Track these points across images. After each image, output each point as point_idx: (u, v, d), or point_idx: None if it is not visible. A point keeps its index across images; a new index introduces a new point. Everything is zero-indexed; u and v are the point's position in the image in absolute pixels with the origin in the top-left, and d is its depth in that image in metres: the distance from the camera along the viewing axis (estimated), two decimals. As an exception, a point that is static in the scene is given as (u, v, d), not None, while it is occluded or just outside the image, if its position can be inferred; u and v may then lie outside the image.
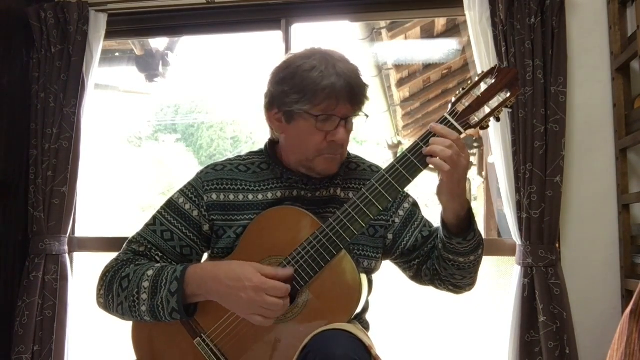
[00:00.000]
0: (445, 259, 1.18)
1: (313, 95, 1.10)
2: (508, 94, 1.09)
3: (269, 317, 1.04)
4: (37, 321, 2.10)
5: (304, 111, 1.12)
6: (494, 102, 1.10)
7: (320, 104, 1.11)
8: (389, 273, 1.36)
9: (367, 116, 1.18)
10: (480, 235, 1.18)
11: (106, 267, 1.17)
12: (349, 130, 1.17)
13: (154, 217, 1.22)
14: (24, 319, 2.09)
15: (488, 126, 1.11)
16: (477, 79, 1.12)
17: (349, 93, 1.11)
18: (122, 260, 1.17)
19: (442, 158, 1.04)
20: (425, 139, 1.08)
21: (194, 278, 1.08)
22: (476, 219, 1.18)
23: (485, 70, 1.13)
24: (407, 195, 1.29)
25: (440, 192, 1.10)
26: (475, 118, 1.10)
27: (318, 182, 1.21)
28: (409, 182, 1.09)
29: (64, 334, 2.12)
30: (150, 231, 1.20)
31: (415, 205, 1.28)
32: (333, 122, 1.13)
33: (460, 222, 1.13)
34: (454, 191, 1.08)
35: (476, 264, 1.20)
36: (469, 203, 1.13)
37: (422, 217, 1.28)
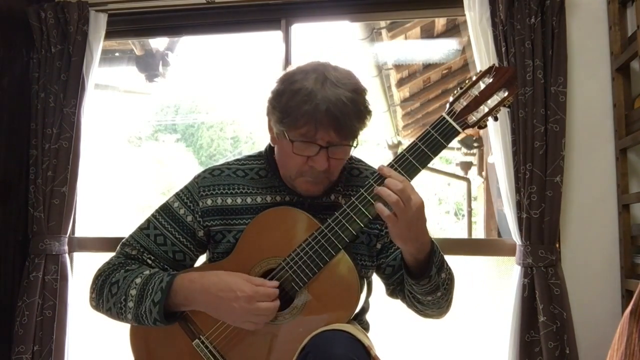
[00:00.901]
0: (407, 289, 1.18)
1: (293, 118, 1.07)
2: (506, 93, 1.09)
3: (261, 323, 1.05)
4: (37, 321, 2.10)
5: (282, 132, 1.10)
6: (492, 101, 1.09)
7: (299, 129, 1.07)
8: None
9: (354, 146, 1.12)
10: (446, 277, 1.14)
11: (99, 269, 1.18)
12: (338, 157, 1.11)
13: (148, 221, 1.21)
14: (24, 319, 2.09)
15: (486, 125, 1.10)
16: (474, 78, 1.12)
17: (332, 121, 1.05)
18: (114, 264, 1.18)
19: (388, 202, 1.00)
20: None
21: (181, 290, 1.08)
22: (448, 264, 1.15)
23: (483, 69, 1.13)
24: None
25: (390, 235, 1.06)
26: (474, 117, 1.09)
27: None
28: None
29: (64, 334, 2.12)
30: (144, 235, 1.20)
31: None
32: (313, 148, 1.08)
33: (419, 264, 1.10)
34: (403, 235, 1.04)
35: (436, 303, 1.16)
36: (429, 247, 1.09)
37: None
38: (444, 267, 1.14)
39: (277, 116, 1.10)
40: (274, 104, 1.11)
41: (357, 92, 1.10)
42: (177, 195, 1.23)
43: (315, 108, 1.04)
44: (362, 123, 1.11)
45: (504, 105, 1.10)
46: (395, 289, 1.26)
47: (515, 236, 1.87)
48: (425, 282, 1.10)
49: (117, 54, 3.75)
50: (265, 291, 1.05)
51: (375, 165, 1.27)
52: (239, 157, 1.28)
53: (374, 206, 1.04)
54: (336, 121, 1.05)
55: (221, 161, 1.27)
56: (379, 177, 1.06)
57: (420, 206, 1.02)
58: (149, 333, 1.16)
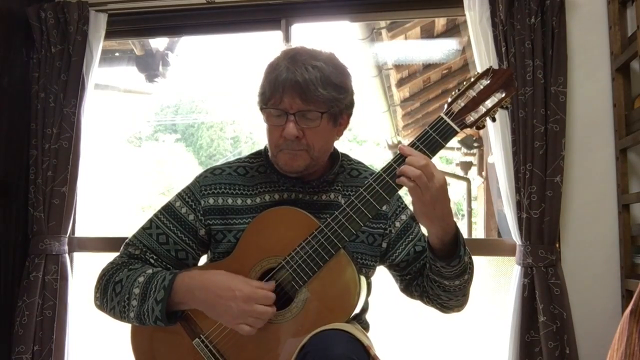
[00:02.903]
0: (431, 279, 1.18)
1: (265, 90, 1.13)
2: (503, 94, 1.10)
3: (255, 326, 1.05)
4: (37, 321, 2.10)
5: (261, 108, 1.16)
6: (490, 102, 1.10)
7: (270, 99, 1.12)
8: (388, 273, 1.35)
9: (322, 113, 1.11)
10: (468, 261, 1.15)
11: (103, 269, 1.19)
12: (310, 127, 1.11)
13: (150, 220, 1.22)
14: (24, 319, 2.09)
15: (484, 126, 1.11)
16: (472, 79, 1.13)
17: (295, 86, 1.08)
18: (117, 263, 1.18)
19: (410, 177, 1.02)
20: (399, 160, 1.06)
21: (182, 287, 1.09)
22: (466, 244, 1.15)
23: (482, 70, 1.14)
24: (406, 207, 1.28)
25: (416, 214, 1.07)
26: (471, 118, 1.10)
27: (316, 186, 1.21)
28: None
29: (64, 334, 2.12)
30: (146, 234, 1.20)
31: (413, 218, 1.27)
32: (282, 117, 1.11)
33: (445, 246, 1.11)
34: (429, 214, 1.05)
35: (462, 289, 1.18)
36: (454, 229, 1.10)
37: (419, 231, 1.27)
38: (466, 249, 1.15)
39: (258, 92, 1.16)
40: (259, 85, 1.17)
41: (327, 63, 1.11)
42: (179, 194, 1.24)
43: (280, 74, 1.09)
44: (330, 91, 1.10)
45: (502, 107, 1.11)
46: (410, 282, 1.26)
47: (515, 236, 1.87)
48: (456, 262, 1.11)
49: (117, 54, 3.75)
50: (264, 294, 1.05)
51: (375, 167, 1.28)
52: (241, 156, 1.29)
53: (377, 204, 1.06)
54: (298, 86, 1.08)
55: (222, 161, 1.28)
56: (379, 177, 1.07)
57: (443, 183, 1.04)
58: (150, 332, 1.16)
